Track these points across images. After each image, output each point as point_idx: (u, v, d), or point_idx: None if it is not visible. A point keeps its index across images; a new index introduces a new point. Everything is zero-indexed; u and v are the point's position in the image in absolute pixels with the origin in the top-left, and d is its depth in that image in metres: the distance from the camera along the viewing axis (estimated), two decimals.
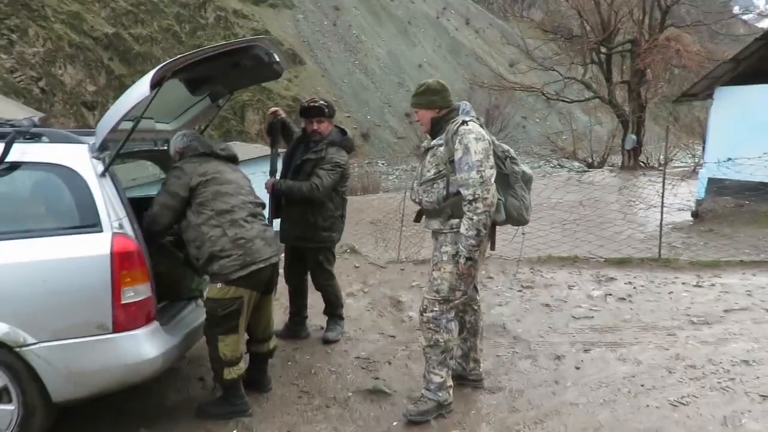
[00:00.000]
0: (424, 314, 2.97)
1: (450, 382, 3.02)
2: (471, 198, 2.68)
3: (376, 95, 57.68)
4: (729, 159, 7.84)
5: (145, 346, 2.72)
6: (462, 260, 2.76)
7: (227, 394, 3.09)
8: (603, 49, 23.25)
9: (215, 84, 3.42)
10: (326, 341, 4.12)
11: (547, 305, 4.69)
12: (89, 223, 2.68)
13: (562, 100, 25.40)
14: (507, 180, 2.91)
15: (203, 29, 52.98)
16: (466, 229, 2.71)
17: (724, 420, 2.75)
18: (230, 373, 3.00)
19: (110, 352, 2.68)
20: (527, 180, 3.02)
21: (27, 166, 2.72)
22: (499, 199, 2.83)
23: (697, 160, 20.56)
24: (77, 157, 2.74)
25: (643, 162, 22.72)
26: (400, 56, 64.93)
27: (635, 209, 12.76)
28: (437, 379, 2.98)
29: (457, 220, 2.83)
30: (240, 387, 3.10)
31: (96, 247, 2.65)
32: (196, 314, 3.29)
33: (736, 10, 40.31)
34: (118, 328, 2.67)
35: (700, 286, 4.95)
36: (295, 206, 3.83)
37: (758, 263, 5.62)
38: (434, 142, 2.94)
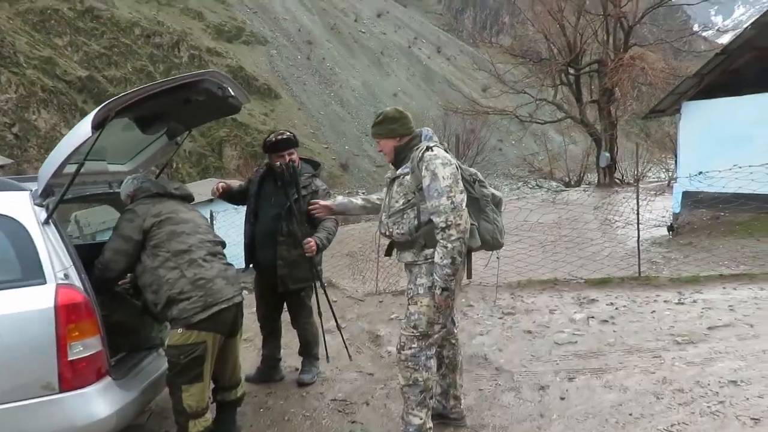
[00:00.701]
0: (402, 352, 2.80)
1: (430, 424, 2.84)
2: (444, 225, 2.55)
3: (353, 125, 58.10)
4: (700, 173, 7.88)
5: (97, 404, 2.52)
6: (438, 291, 2.62)
7: None
8: (571, 70, 23.72)
9: (169, 121, 3.28)
10: (301, 384, 3.92)
11: (529, 332, 4.55)
12: (31, 275, 2.50)
13: (535, 122, 25.77)
14: (478, 204, 2.81)
15: (177, 68, 53.11)
16: (441, 258, 2.57)
17: None
18: (196, 426, 2.78)
19: (57, 414, 2.46)
20: (497, 203, 2.92)
21: None
22: (472, 224, 2.72)
23: (670, 174, 20.90)
24: (17, 205, 2.58)
25: (618, 179, 23.02)
26: (375, 86, 65.76)
27: (614, 227, 12.82)
28: (416, 421, 2.80)
29: (431, 250, 2.69)
30: None
31: (39, 300, 2.45)
32: (157, 364, 3.09)
33: (695, 27, 41.72)
34: (65, 386, 2.46)
35: (682, 303, 4.86)
36: (294, 248, 3.61)
37: (737, 276, 5.56)
38: (399, 171, 2.82)
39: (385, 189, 2.97)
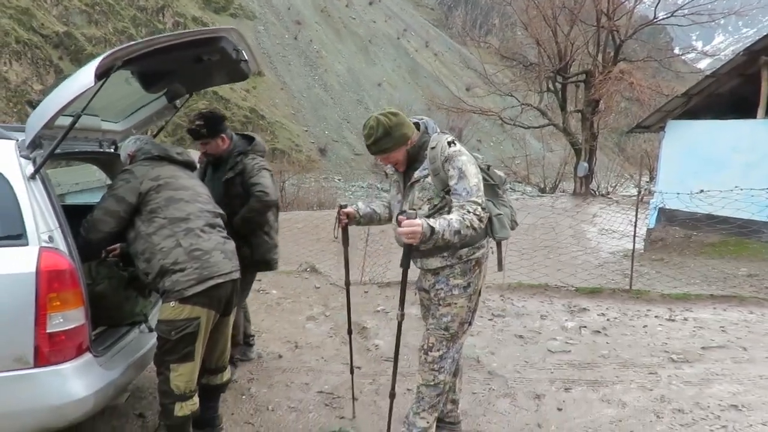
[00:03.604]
0: (430, 353, 2.61)
1: (434, 429, 2.69)
2: (469, 210, 2.31)
3: (335, 111, 57.45)
4: (690, 192, 7.95)
5: (74, 383, 2.28)
6: (423, 226, 2.17)
7: None
8: (559, 78, 23.84)
9: (173, 81, 3.01)
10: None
11: (521, 336, 4.45)
12: (12, 233, 2.24)
13: (519, 126, 25.83)
14: (494, 190, 2.63)
15: (161, 34, 51.40)
16: (456, 220, 2.26)
17: None
18: (183, 409, 2.54)
19: (29, 392, 2.21)
20: (504, 183, 2.74)
21: None
22: (500, 214, 2.54)
23: (641, 190, 21.30)
24: (2, 154, 2.30)
25: (593, 189, 23.33)
26: (360, 74, 65.11)
27: (589, 235, 12.96)
28: (422, 424, 2.64)
29: (466, 249, 2.51)
30: (189, 427, 2.65)
31: (19, 263, 2.20)
32: (140, 342, 2.84)
33: (676, 50, 42.62)
34: (40, 361, 2.22)
35: (673, 320, 4.84)
36: (253, 228, 3.45)
37: (728, 298, 5.58)
38: (417, 174, 2.53)
39: (393, 191, 2.71)
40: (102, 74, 2.20)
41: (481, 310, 5.16)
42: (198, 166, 3.30)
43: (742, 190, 7.34)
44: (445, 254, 2.53)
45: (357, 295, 5.64)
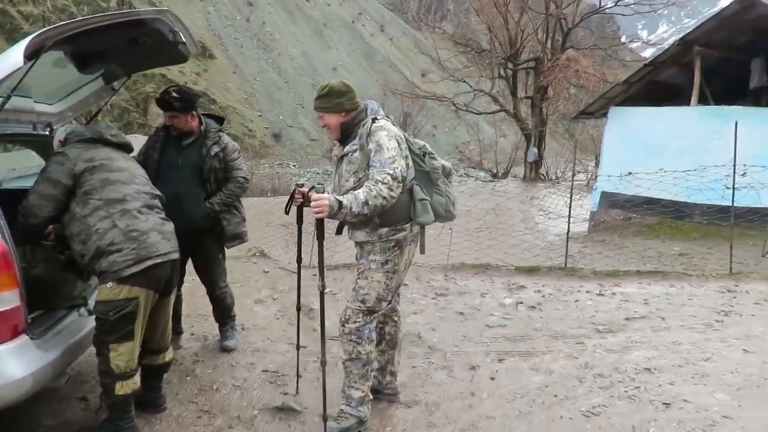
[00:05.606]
0: (346, 325, 2.77)
1: (370, 396, 2.85)
2: (378, 179, 2.47)
3: (289, 95, 56.63)
4: (620, 175, 8.38)
5: (10, 364, 2.29)
6: (330, 201, 2.41)
7: (114, 415, 2.68)
8: (510, 65, 24.33)
9: (110, 63, 3.00)
10: (229, 350, 3.85)
11: (462, 313, 4.66)
12: None
13: (471, 112, 26.26)
14: (428, 177, 2.78)
15: (104, 13, 49.09)
16: (361, 194, 2.44)
17: (633, 429, 2.80)
18: (123, 388, 2.59)
19: None
20: (448, 174, 2.90)
21: None
22: (424, 199, 2.69)
23: (589, 175, 22.13)
24: None
25: (543, 174, 24.02)
26: (315, 58, 64.30)
27: (537, 219, 13.40)
28: (358, 394, 2.79)
29: (386, 229, 2.65)
30: (131, 406, 2.70)
31: None
32: (78, 325, 2.85)
33: (623, 38, 44.07)
34: None
35: (602, 295, 5.16)
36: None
37: (653, 273, 5.99)
38: (347, 148, 2.74)
39: (334, 168, 2.88)
40: (32, 54, 2.20)
41: (425, 289, 5.36)
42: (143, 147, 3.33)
43: (666, 172, 7.80)
44: (368, 230, 2.68)
45: (306, 277, 5.67)
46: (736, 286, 5.48)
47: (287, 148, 48.95)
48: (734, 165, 6.63)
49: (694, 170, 7.56)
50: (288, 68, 60.31)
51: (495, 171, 28.14)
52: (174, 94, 3.37)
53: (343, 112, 2.73)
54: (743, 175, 7.35)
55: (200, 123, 3.56)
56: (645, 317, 4.50)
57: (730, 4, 11.00)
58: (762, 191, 8.18)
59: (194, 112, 3.49)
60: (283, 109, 54.13)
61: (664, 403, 3.03)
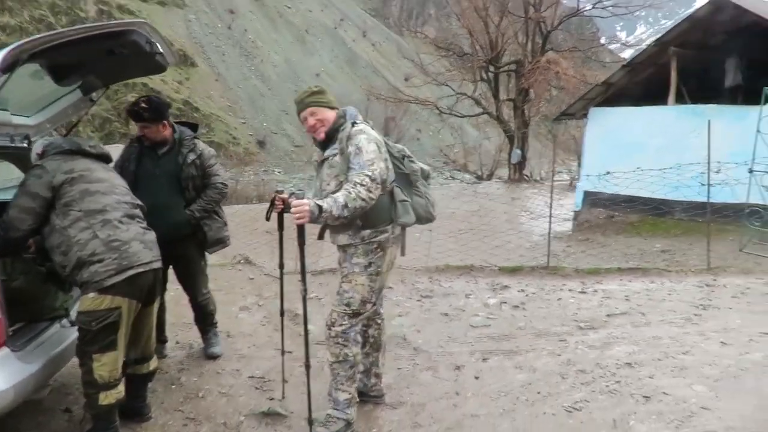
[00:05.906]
0: (332, 328, 2.80)
1: (356, 398, 2.89)
2: (357, 181, 2.51)
3: (273, 102, 56.47)
4: (608, 173, 8.50)
5: None
6: (311, 206, 2.41)
7: (98, 425, 2.67)
8: (491, 68, 24.56)
9: (87, 74, 3.00)
10: (214, 357, 3.87)
11: (446, 314, 4.70)
12: None
13: (454, 115, 26.44)
14: (408, 179, 2.85)
15: (82, 23, 48.69)
16: (341, 196, 2.46)
17: (614, 423, 2.85)
18: (107, 398, 2.59)
19: None
20: (426, 176, 2.98)
21: None
22: (405, 200, 2.75)
23: (572, 175, 22.39)
24: None
25: (527, 175, 24.25)
26: (298, 64, 64.22)
27: (521, 219, 13.53)
28: (345, 396, 2.82)
29: (368, 231, 2.69)
30: (115, 416, 2.70)
31: None
32: (60, 336, 2.85)
33: (602, 40, 44.64)
34: None
35: (584, 293, 5.24)
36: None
37: (633, 270, 6.09)
38: (328, 152, 2.78)
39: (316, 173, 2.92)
40: (7, 67, 2.20)
41: (410, 291, 5.40)
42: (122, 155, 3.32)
43: (644, 171, 7.95)
44: (350, 232, 2.71)
45: (291, 283, 5.68)
46: (714, 280, 5.59)
47: (272, 154, 48.81)
48: (708, 162, 6.78)
49: (671, 168, 7.71)
50: (271, 75, 60.18)
51: (480, 173, 28.36)
52: (143, 105, 3.36)
53: (335, 108, 2.82)
54: (718, 171, 7.51)
55: (173, 131, 3.56)
56: (626, 313, 4.57)
57: (702, 6, 11.25)
58: (737, 187, 8.36)
59: (165, 121, 3.47)
60: (266, 116, 53.96)
61: (644, 396, 3.09)
